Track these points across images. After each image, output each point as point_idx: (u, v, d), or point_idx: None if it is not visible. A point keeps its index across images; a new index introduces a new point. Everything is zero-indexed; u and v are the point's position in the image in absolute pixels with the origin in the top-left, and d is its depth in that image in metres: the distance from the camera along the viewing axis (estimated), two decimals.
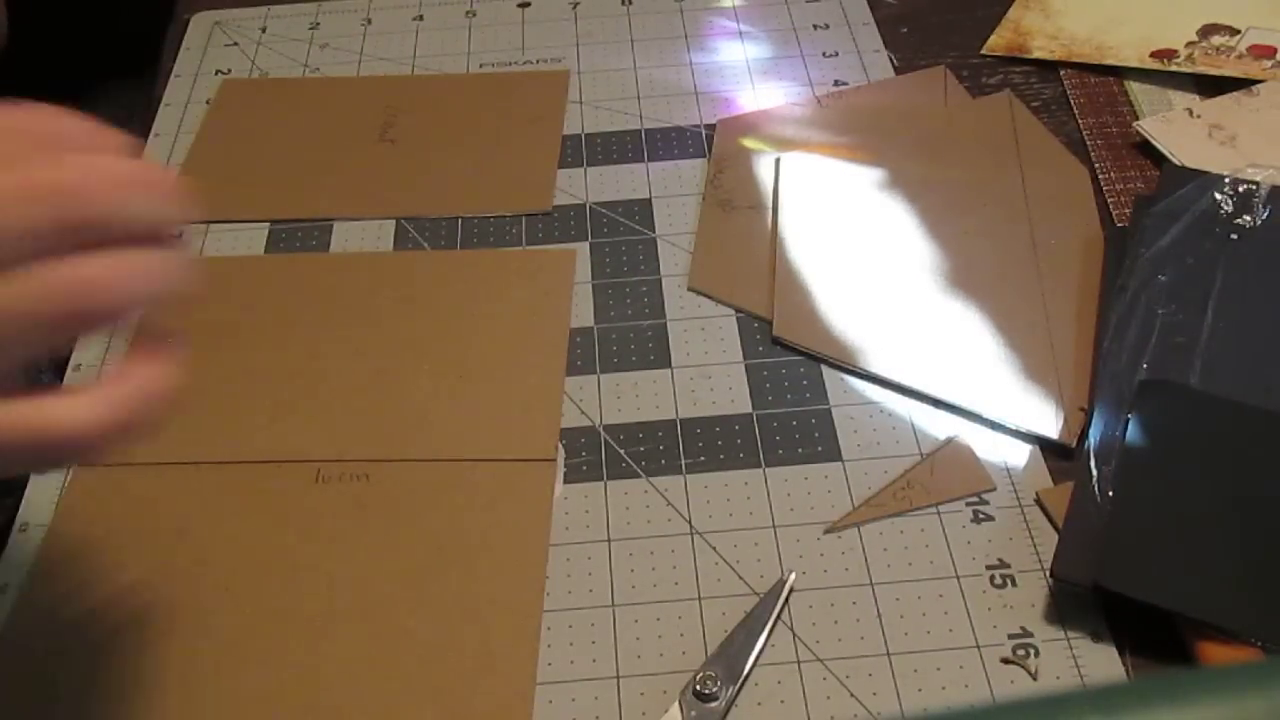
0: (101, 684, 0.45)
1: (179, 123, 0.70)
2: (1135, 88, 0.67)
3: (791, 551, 0.47)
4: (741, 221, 0.61)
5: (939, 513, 0.48)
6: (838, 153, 0.64)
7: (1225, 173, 0.58)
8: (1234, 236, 0.55)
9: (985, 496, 0.49)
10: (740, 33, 0.73)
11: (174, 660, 0.45)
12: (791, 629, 0.45)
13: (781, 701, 0.43)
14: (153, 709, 0.44)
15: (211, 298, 0.59)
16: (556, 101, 0.69)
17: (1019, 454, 0.50)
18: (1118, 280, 0.54)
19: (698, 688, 0.43)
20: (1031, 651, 0.44)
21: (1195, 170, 0.59)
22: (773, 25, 0.74)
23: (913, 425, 0.52)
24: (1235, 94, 0.64)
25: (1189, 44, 0.68)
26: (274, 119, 0.69)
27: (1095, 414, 0.49)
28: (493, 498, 0.50)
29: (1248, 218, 0.56)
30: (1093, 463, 0.47)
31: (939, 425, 0.51)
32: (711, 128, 0.67)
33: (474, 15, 0.76)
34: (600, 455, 0.51)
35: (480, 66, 0.72)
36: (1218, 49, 0.67)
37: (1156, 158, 0.62)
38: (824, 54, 0.71)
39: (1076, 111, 0.66)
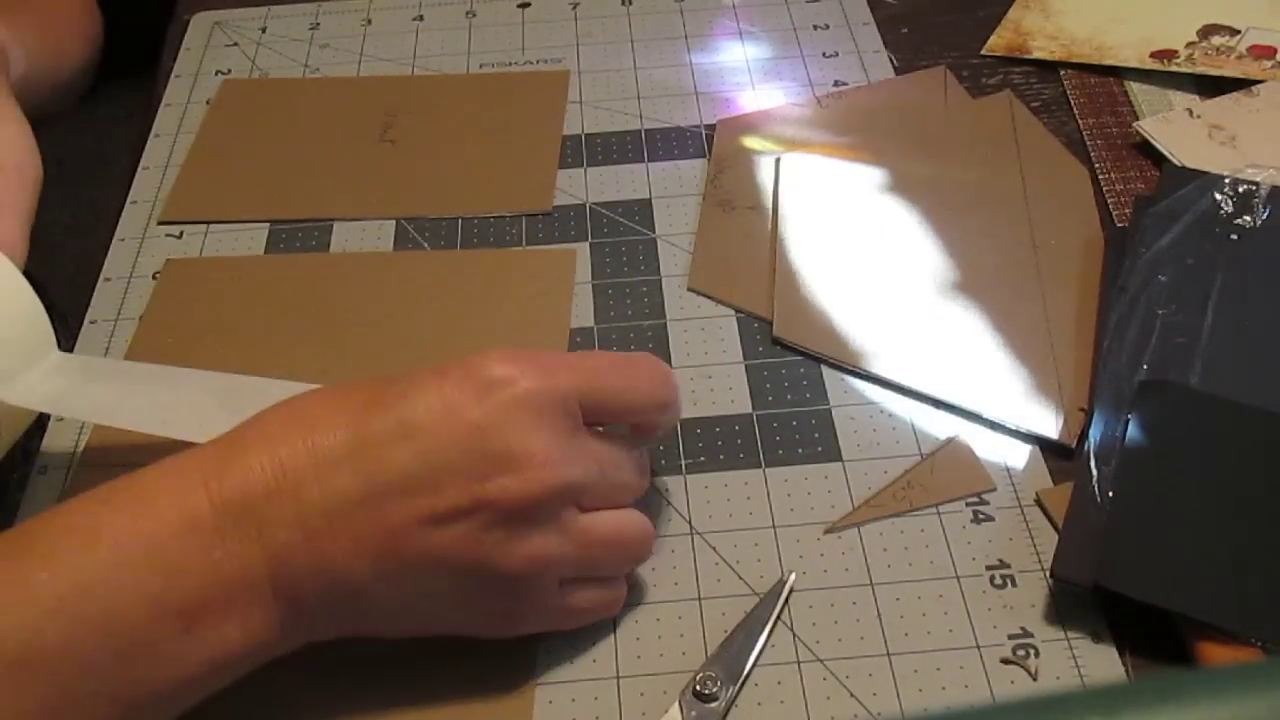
0: None
1: (179, 123, 0.70)
2: (1135, 88, 0.67)
3: (791, 551, 0.47)
4: (741, 221, 0.61)
5: (939, 513, 0.48)
6: (838, 153, 0.64)
7: (1225, 173, 0.58)
8: (1234, 237, 0.55)
9: (985, 497, 0.49)
10: (740, 33, 0.73)
11: None
12: (791, 629, 0.45)
13: (781, 702, 0.43)
14: None
15: (211, 298, 0.59)
16: (556, 101, 0.69)
17: (1019, 454, 0.50)
18: (1118, 280, 0.54)
19: (698, 688, 0.43)
20: (1031, 651, 0.44)
21: (1195, 170, 0.59)
22: (773, 25, 0.74)
23: (913, 425, 0.52)
24: (1235, 94, 0.64)
25: (1189, 44, 0.68)
26: (274, 119, 0.69)
27: (1095, 414, 0.49)
28: None
29: (1248, 218, 0.56)
30: (1093, 463, 0.47)
31: (939, 425, 0.51)
32: (711, 128, 0.67)
33: (474, 15, 0.76)
34: None
35: (480, 66, 0.72)
36: (1218, 49, 0.67)
37: (1156, 158, 0.62)
38: (824, 54, 0.71)
39: (1076, 111, 0.66)
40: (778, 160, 0.64)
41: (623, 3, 0.76)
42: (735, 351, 0.55)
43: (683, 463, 0.51)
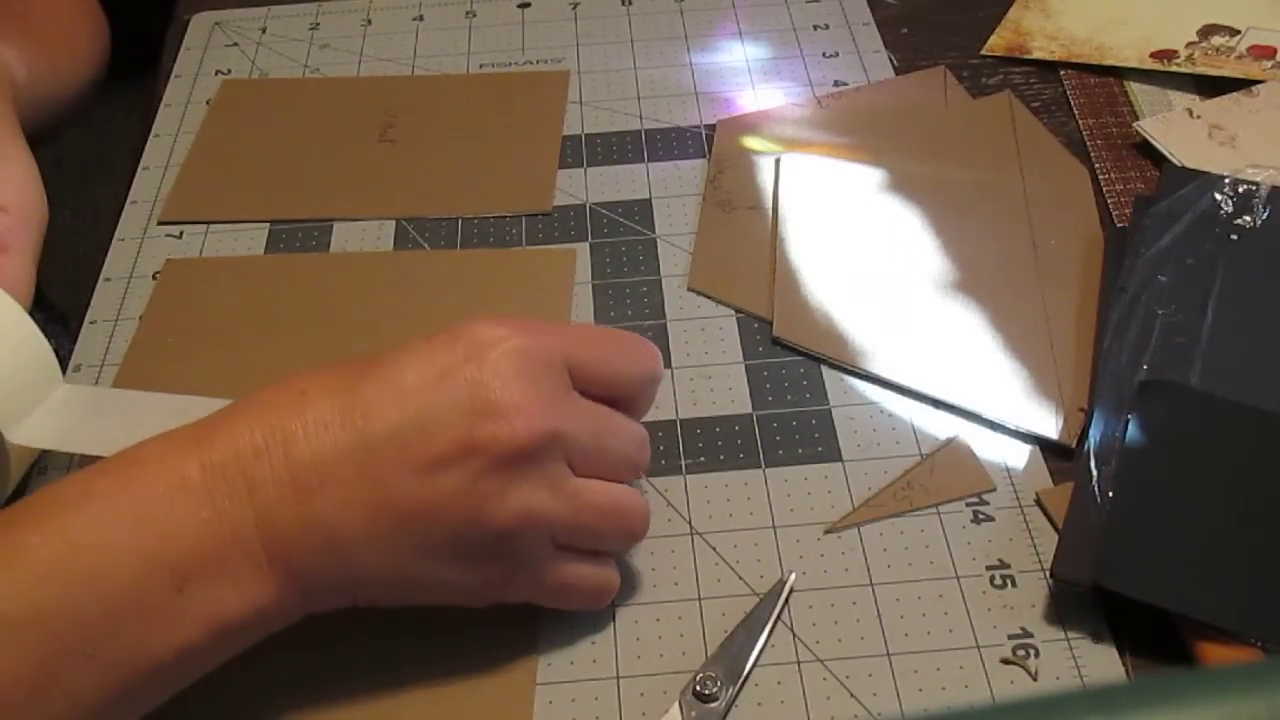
0: None
1: (179, 123, 0.70)
2: (1135, 88, 0.67)
3: (791, 552, 0.47)
4: (741, 221, 0.61)
5: (939, 513, 0.48)
6: (838, 153, 0.64)
7: (1225, 173, 0.58)
8: (1234, 237, 0.55)
9: (985, 497, 0.49)
10: (740, 33, 0.73)
11: None
12: (791, 629, 0.45)
13: (781, 702, 0.43)
14: None
15: (211, 298, 0.59)
16: (556, 101, 0.69)
17: (1019, 454, 0.50)
18: (1118, 280, 0.54)
19: (698, 688, 0.43)
20: (1031, 652, 0.44)
21: (1195, 171, 0.59)
22: (773, 25, 0.74)
23: (913, 425, 0.52)
24: (1235, 94, 0.64)
25: (1189, 44, 0.68)
26: (274, 119, 0.69)
27: (1095, 414, 0.49)
28: None
29: (1248, 218, 0.56)
30: (1093, 463, 0.47)
31: (939, 425, 0.51)
32: (711, 128, 0.67)
33: (474, 15, 0.76)
34: None
35: (480, 67, 0.72)
36: (1218, 49, 0.67)
37: (1156, 158, 0.62)
38: (824, 54, 0.71)
39: (1076, 112, 0.66)
40: (778, 160, 0.64)
41: (623, 3, 0.76)
42: (735, 351, 0.55)
43: (683, 463, 0.51)
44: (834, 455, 0.51)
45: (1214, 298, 0.53)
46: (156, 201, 0.65)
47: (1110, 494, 0.46)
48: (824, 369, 0.54)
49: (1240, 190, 0.57)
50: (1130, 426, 0.48)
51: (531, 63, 0.72)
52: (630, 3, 0.76)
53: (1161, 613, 0.43)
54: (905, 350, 0.54)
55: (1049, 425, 0.51)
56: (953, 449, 0.51)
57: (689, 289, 0.58)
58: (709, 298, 0.58)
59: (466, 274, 0.59)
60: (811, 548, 0.48)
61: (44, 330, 0.48)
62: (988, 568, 0.46)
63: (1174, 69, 0.67)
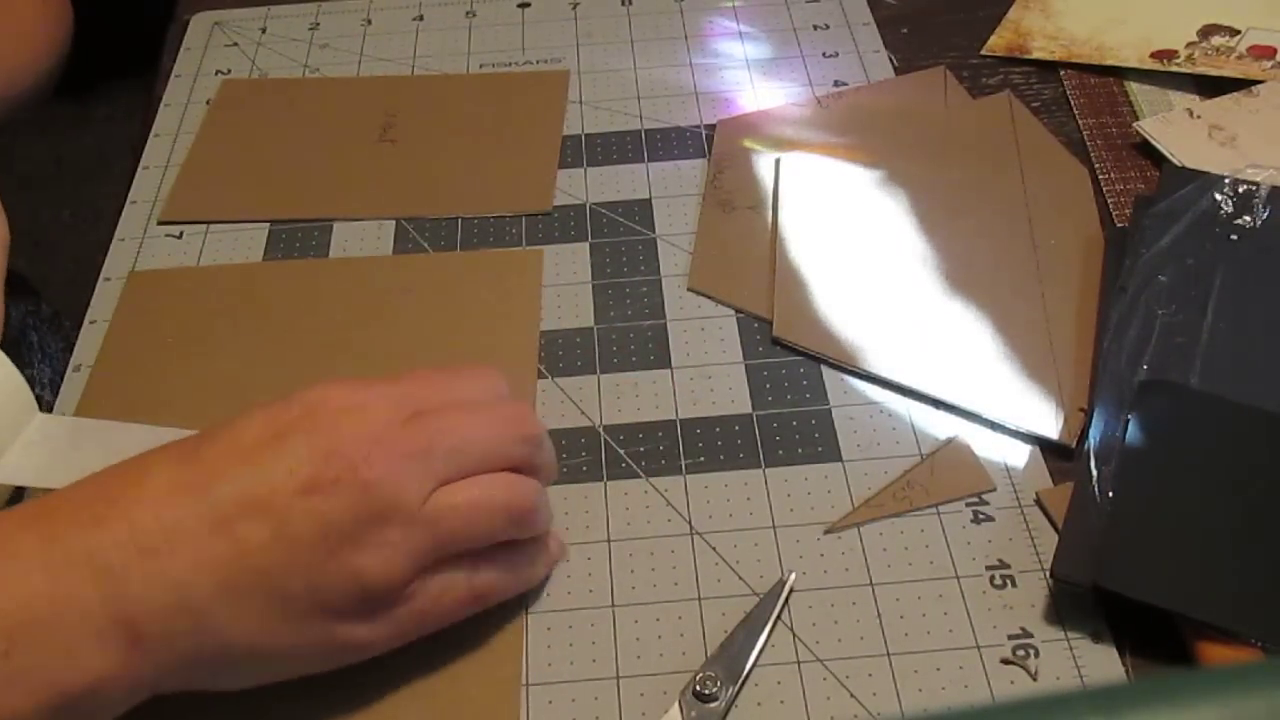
0: None
1: (179, 123, 0.70)
2: (1135, 88, 0.67)
3: (791, 552, 0.47)
4: (741, 221, 0.61)
5: (939, 513, 0.48)
6: (838, 153, 0.64)
7: (1225, 173, 0.58)
8: (1234, 237, 0.55)
9: (985, 497, 0.49)
10: (740, 33, 0.73)
11: None
12: (791, 629, 0.45)
13: (781, 702, 0.43)
14: None
15: (175, 311, 0.58)
16: (556, 101, 0.69)
17: (1019, 454, 0.50)
18: (1118, 280, 0.54)
19: (698, 688, 0.43)
20: (1031, 652, 0.44)
21: (1195, 171, 0.59)
22: (773, 25, 0.74)
23: (913, 425, 0.52)
24: (1235, 94, 0.64)
25: (1189, 44, 0.68)
26: (274, 119, 0.69)
27: (1095, 414, 0.49)
28: None
29: (1248, 218, 0.56)
30: (1093, 463, 0.47)
31: (939, 425, 0.51)
32: (711, 128, 0.67)
33: (474, 15, 0.76)
34: (600, 455, 0.51)
35: (480, 66, 0.72)
36: (1218, 49, 0.67)
37: (1156, 158, 0.62)
38: (824, 54, 0.71)
39: (1076, 112, 0.66)
40: (778, 160, 0.64)
41: (623, 3, 0.76)
42: (735, 351, 0.55)
43: (683, 463, 0.51)
44: (834, 455, 0.51)
45: (1214, 298, 0.53)
46: (156, 201, 0.65)
47: (1110, 494, 0.46)
48: (824, 369, 0.54)
49: (1240, 190, 0.57)
50: (1130, 426, 0.48)
51: (531, 63, 0.72)
52: (630, 3, 0.76)
53: (1161, 613, 0.43)
54: (905, 350, 0.54)
55: (1049, 425, 0.51)
56: (953, 449, 0.51)
57: (689, 289, 0.58)
58: (709, 298, 0.58)
59: (434, 277, 0.59)
60: (811, 548, 0.48)
61: (38, 331, 0.48)
62: (988, 568, 0.46)
63: (1174, 69, 0.67)
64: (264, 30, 0.76)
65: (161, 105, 0.71)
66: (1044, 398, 0.52)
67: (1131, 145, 0.63)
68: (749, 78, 0.70)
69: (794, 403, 0.53)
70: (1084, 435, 0.49)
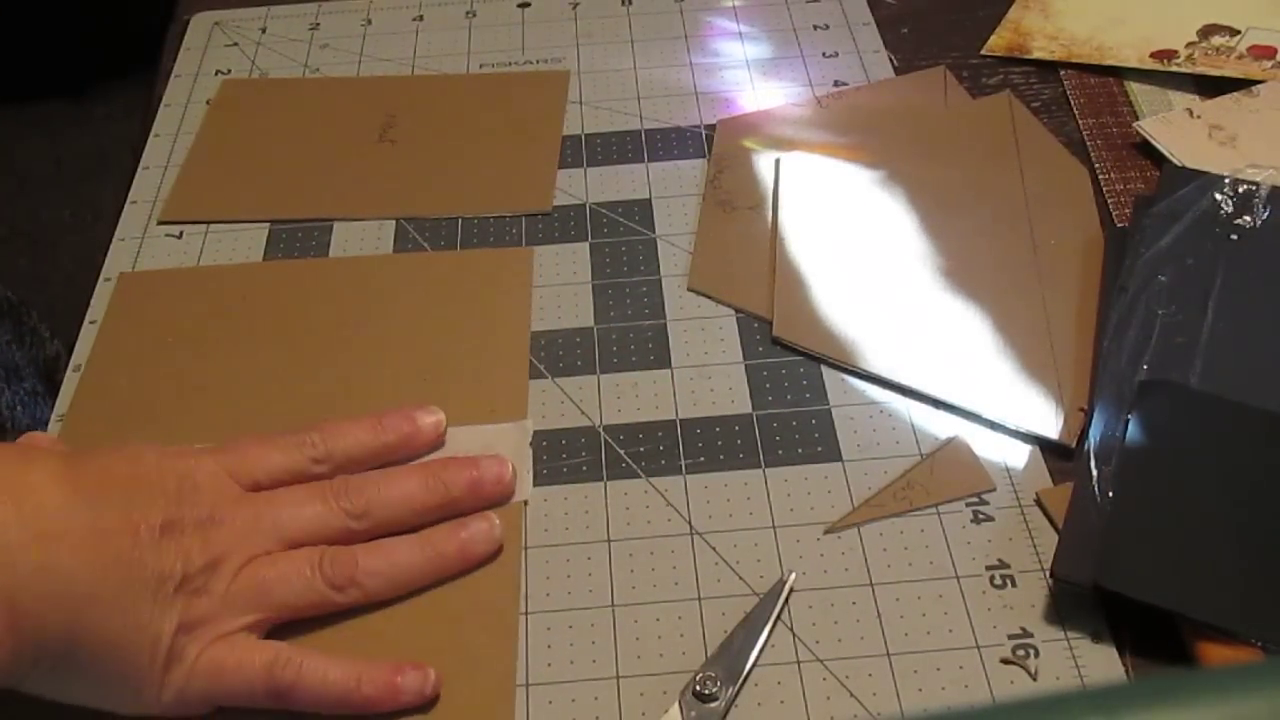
0: None
1: (179, 123, 0.70)
2: (1135, 88, 0.67)
3: (791, 551, 0.47)
4: (741, 221, 0.61)
5: (939, 513, 0.48)
6: (838, 153, 0.64)
7: (1225, 173, 0.58)
8: (1234, 237, 0.55)
9: (985, 497, 0.49)
10: (740, 33, 0.73)
11: None
12: (791, 629, 0.45)
13: (781, 702, 0.43)
14: None
15: (164, 314, 0.58)
16: (556, 101, 0.69)
17: (1019, 454, 0.50)
18: (1118, 280, 0.54)
19: (698, 688, 0.43)
20: (1031, 652, 0.44)
21: (1195, 170, 0.59)
22: (773, 25, 0.74)
23: (913, 425, 0.52)
24: (1235, 94, 0.64)
25: (1189, 44, 0.68)
26: (274, 119, 0.69)
27: (1095, 414, 0.49)
28: None
29: (1248, 218, 0.56)
30: (1093, 463, 0.47)
31: (939, 425, 0.51)
32: (711, 128, 0.67)
33: (474, 15, 0.76)
34: (600, 455, 0.51)
35: (480, 67, 0.72)
36: (1218, 49, 0.67)
37: (1156, 158, 0.62)
38: (824, 54, 0.71)
39: (1076, 112, 0.66)
40: (778, 160, 0.64)
41: (623, 3, 0.76)
42: (735, 351, 0.55)
43: (682, 463, 0.51)
44: (834, 455, 0.51)
45: (1214, 298, 0.53)
46: (156, 201, 0.65)
47: (1110, 494, 0.46)
48: (824, 369, 0.54)
49: (1240, 190, 0.57)
50: (1130, 426, 0.48)
51: (531, 63, 0.72)
52: (630, 3, 0.76)
53: (1161, 613, 0.43)
54: (905, 350, 0.54)
55: (1049, 425, 0.51)
56: (953, 449, 0.51)
57: (689, 289, 0.58)
58: (709, 298, 0.58)
59: (424, 277, 0.59)
60: (811, 548, 0.48)
61: (36, 332, 0.48)
62: (988, 568, 0.46)
63: (1174, 69, 0.67)
64: (264, 30, 0.76)
65: (161, 105, 0.71)
66: (1044, 398, 0.52)
67: (1131, 145, 0.63)
68: (749, 78, 0.70)
69: (794, 403, 0.53)
70: (1084, 435, 0.49)
